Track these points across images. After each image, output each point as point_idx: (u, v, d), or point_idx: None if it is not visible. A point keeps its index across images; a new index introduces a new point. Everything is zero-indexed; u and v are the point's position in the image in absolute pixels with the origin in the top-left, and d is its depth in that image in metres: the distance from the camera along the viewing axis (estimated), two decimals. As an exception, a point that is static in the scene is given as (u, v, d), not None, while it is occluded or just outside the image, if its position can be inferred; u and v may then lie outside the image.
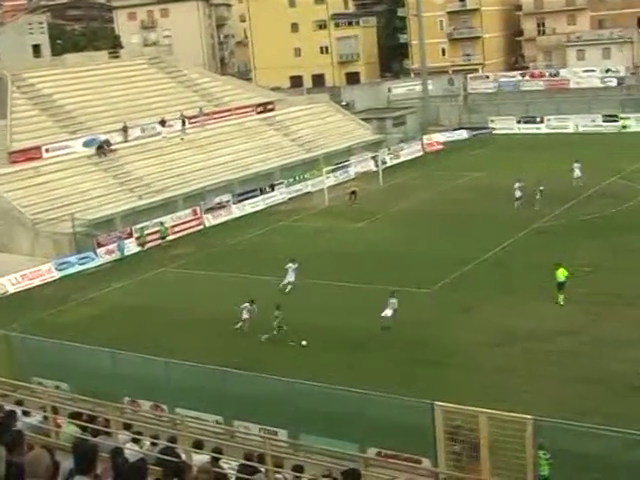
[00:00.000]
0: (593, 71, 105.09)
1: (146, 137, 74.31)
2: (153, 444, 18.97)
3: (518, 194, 59.13)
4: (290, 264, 45.35)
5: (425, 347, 35.99)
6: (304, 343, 36.65)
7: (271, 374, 30.11)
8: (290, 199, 71.08)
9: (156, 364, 31.78)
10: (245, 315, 39.45)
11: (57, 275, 53.50)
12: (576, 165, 65.44)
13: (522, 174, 64.21)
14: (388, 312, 37.99)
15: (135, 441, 19.06)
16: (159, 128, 75.32)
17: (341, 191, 70.83)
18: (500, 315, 39.10)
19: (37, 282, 52.03)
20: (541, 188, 59.17)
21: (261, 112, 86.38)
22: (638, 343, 34.18)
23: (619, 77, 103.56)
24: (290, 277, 45.22)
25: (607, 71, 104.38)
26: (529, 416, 23.81)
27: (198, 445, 18.68)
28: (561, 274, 39.66)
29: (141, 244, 58.64)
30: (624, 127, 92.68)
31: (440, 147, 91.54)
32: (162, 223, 60.33)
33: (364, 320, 39.12)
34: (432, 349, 35.72)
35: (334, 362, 34.91)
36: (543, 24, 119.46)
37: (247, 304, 39.57)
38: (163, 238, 59.68)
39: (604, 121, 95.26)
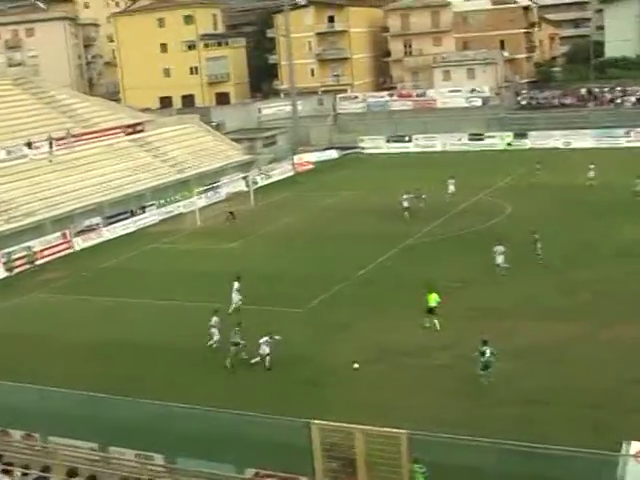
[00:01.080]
0: (459, 91, 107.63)
1: (12, 159, 72.36)
2: (24, 474, 18.52)
3: (406, 204, 60.58)
4: (235, 283, 44.47)
5: (301, 366, 35.93)
6: (356, 366, 35.43)
7: (146, 398, 29.38)
8: (162, 221, 70.47)
9: (28, 391, 30.66)
10: (216, 336, 38.81)
11: None
12: (450, 181, 67.40)
13: (393, 193, 65.20)
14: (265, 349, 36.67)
15: (6, 472, 18.56)
16: (25, 150, 73.59)
17: (213, 212, 70.86)
18: (374, 332, 39.29)
19: None
20: (424, 196, 62.03)
21: (131, 133, 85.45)
22: (509, 356, 34.76)
23: (484, 97, 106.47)
24: (235, 296, 44.30)
25: (472, 91, 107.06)
26: (404, 431, 23.92)
27: (72, 473, 18.32)
28: (432, 299, 39.55)
29: (9, 269, 57.25)
30: (509, 145, 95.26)
31: (311, 167, 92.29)
32: (29, 247, 59.01)
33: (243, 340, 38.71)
34: (308, 368, 35.64)
35: (210, 383, 34.67)
36: (410, 45, 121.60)
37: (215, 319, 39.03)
38: (31, 263, 58.33)
39: (470, 139, 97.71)
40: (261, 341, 36.37)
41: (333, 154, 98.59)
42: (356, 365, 35.23)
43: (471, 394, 31.90)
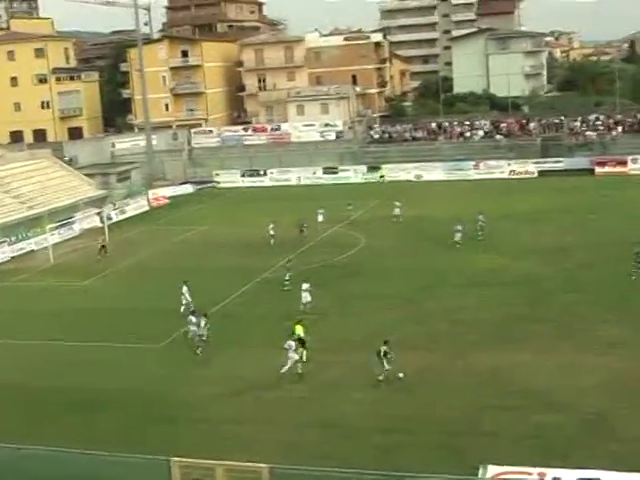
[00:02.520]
0: (313, 125, 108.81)
1: None
2: None
3: (271, 233, 61.12)
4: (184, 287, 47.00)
5: (158, 403, 35.39)
6: (401, 375, 35.56)
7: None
8: (13, 258, 68.54)
9: None
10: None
11: None
12: (320, 211, 69.11)
13: (250, 226, 66.40)
14: None
15: None
16: None
17: (66, 248, 69.70)
18: (231, 366, 39.19)
19: None
20: (305, 225, 65.35)
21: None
22: (367, 386, 35.31)
23: (337, 131, 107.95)
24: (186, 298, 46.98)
25: (326, 125, 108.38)
26: (264, 465, 24.03)
27: None
28: (298, 330, 39.78)
29: None
30: (381, 177, 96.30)
31: (166, 202, 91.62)
32: None
33: (93, 379, 38.41)
34: (165, 405, 35.15)
35: (66, 423, 33.73)
36: (264, 80, 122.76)
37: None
38: None
39: (324, 173, 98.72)
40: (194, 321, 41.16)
41: (188, 188, 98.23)
42: (401, 374, 35.72)
43: (331, 425, 32.04)
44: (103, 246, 66.75)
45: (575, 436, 29.91)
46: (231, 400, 35.18)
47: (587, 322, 42.18)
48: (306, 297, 46.34)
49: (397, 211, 70.21)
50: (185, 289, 47.79)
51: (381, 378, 35.54)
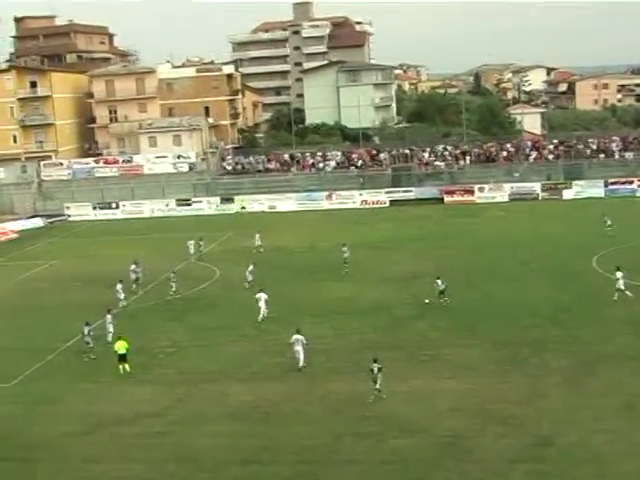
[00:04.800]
0: (165, 157, 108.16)
1: None
2: None
3: (133, 276, 59.12)
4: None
5: (6, 443, 34.43)
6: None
7: None
8: None
9: None
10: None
11: None
12: (257, 236, 69.83)
13: (102, 260, 65.51)
14: None
15: None
16: None
17: None
18: (86, 403, 38.47)
19: None
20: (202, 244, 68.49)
21: None
22: (222, 418, 35.39)
23: (190, 162, 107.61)
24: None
25: (178, 157, 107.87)
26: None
27: None
28: (121, 346, 41.51)
29: None
30: (242, 207, 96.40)
31: (14, 236, 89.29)
32: None
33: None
34: (14, 444, 34.25)
35: None
36: (115, 111, 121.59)
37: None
38: None
39: (178, 205, 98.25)
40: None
41: (38, 222, 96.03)
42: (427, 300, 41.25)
43: (189, 459, 31.87)
44: None
45: (432, 459, 30.50)
46: (85, 438, 34.52)
47: (438, 347, 43.01)
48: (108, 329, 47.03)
49: (258, 242, 70.35)
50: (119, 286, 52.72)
51: (371, 400, 35.83)
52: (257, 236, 70.94)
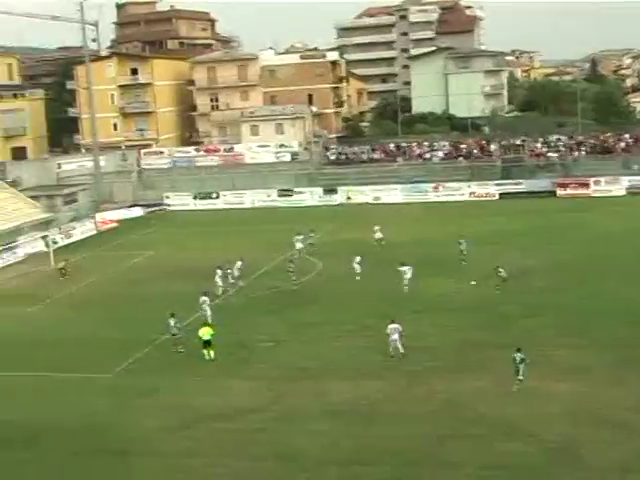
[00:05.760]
0: (267, 146, 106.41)
1: None
2: None
3: (237, 273, 57.66)
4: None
5: (105, 435, 34.25)
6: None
7: None
8: (-48, 283, 66.34)
9: None
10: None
11: None
12: (377, 228, 67.93)
13: (200, 251, 66.06)
14: None
15: None
16: None
17: (10, 273, 68.13)
18: (183, 397, 38.15)
19: None
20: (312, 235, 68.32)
21: None
22: (322, 416, 34.56)
23: (292, 152, 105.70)
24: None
25: (281, 146, 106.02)
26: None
27: None
28: (206, 332, 42.43)
29: None
30: (348, 198, 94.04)
31: (114, 225, 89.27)
32: None
33: (36, 411, 37.34)
34: (113, 437, 34.04)
35: (3, 460, 32.30)
36: (217, 99, 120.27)
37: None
38: None
39: (279, 195, 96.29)
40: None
41: (138, 211, 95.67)
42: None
43: (287, 457, 31.23)
44: (62, 268, 65.04)
45: (540, 465, 29.50)
46: (183, 432, 34.21)
47: (547, 347, 41.41)
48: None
49: (378, 235, 68.45)
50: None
51: (515, 390, 35.61)
52: (376, 228, 68.98)
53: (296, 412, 35.38)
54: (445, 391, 36.60)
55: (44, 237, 75.95)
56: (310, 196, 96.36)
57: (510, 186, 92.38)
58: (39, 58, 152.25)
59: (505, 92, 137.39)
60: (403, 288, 52.88)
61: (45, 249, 73.60)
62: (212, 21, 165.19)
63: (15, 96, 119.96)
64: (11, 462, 32.02)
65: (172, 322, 44.50)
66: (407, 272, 53.16)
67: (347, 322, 47.90)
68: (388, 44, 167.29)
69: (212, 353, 42.24)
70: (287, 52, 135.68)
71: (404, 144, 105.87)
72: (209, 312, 48.24)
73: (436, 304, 50.52)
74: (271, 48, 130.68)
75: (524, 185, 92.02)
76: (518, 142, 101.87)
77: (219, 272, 54.98)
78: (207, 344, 42.35)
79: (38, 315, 55.19)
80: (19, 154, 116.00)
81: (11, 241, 75.05)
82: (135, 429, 34.67)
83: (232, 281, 56.84)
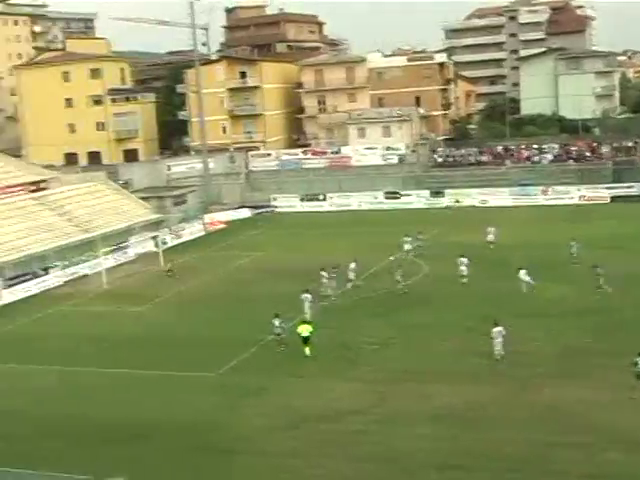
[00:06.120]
0: (374, 149, 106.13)
1: None
2: None
3: (351, 275, 57.87)
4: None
5: (211, 433, 34.70)
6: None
7: (42, 471, 28.44)
8: (66, 282, 67.96)
9: None
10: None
11: None
12: (491, 229, 67.76)
13: (308, 253, 66.47)
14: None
15: None
16: None
17: (120, 273, 69.47)
18: (288, 397, 38.38)
19: None
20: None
21: (34, 191, 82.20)
22: (425, 420, 34.26)
23: (400, 154, 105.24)
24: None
25: (388, 149, 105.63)
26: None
27: None
28: (305, 330, 43.10)
29: None
30: (456, 201, 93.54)
31: (222, 226, 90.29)
32: None
33: (145, 408, 38.02)
34: (218, 435, 34.51)
35: (115, 455, 32.95)
36: (324, 102, 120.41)
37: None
38: None
39: (386, 198, 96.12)
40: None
41: (245, 213, 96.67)
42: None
43: (387, 460, 31.02)
44: (170, 270, 66.74)
45: None
46: (286, 432, 34.43)
47: None
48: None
49: (491, 237, 68.25)
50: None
51: (635, 397, 34.51)
52: (489, 229, 68.61)
53: (399, 415, 35.18)
54: (551, 397, 35.95)
55: (154, 237, 77.27)
56: (417, 199, 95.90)
57: (622, 189, 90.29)
58: (150, 62, 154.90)
59: (617, 93, 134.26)
60: (522, 289, 52.53)
61: (155, 249, 74.71)
62: (320, 24, 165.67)
63: (127, 100, 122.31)
64: (122, 458, 32.47)
65: (277, 322, 44.92)
66: (525, 275, 52.76)
67: (453, 325, 47.55)
68: (497, 45, 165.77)
69: (308, 350, 43.01)
70: (395, 54, 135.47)
71: (512, 146, 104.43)
72: (309, 310, 49.02)
73: (545, 308, 49.73)
74: (378, 51, 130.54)
75: (636, 189, 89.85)
76: (630, 144, 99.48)
77: (324, 274, 55.25)
78: (306, 341, 43.10)
79: (147, 314, 56.28)
80: (131, 156, 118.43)
81: (122, 241, 76.62)
82: (240, 428, 34.95)
83: (350, 281, 57.15)
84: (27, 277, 65.79)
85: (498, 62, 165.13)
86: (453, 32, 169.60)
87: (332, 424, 34.77)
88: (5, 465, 30.05)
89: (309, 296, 49.92)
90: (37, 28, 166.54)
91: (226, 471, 31.04)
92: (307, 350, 43.01)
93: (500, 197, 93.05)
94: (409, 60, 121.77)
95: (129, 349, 47.67)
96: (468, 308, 50.55)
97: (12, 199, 78.70)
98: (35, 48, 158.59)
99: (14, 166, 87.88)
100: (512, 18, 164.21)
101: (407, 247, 66.21)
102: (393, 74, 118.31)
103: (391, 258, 63.44)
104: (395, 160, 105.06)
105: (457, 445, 31.79)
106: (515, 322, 44.87)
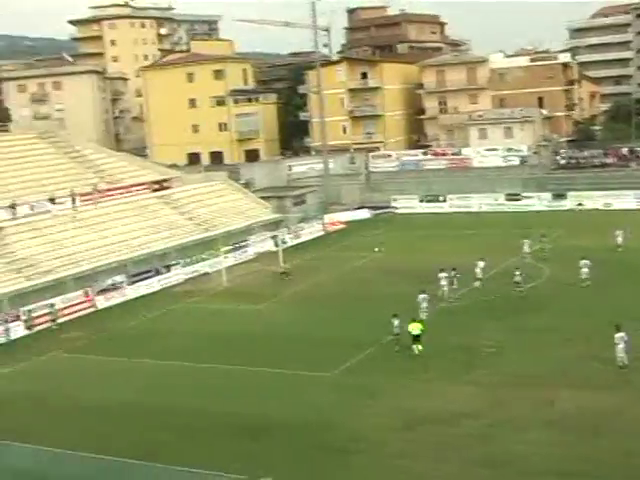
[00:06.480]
0: (495, 150, 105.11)
1: (35, 215, 71.26)
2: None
3: (480, 274, 57.62)
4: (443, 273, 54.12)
5: (327, 432, 34.90)
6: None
7: (163, 463, 28.82)
8: (187, 280, 69.11)
9: (42, 454, 30.23)
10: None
11: (-61, 360, 50.50)
12: (619, 232, 66.49)
13: (427, 254, 65.97)
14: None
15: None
16: (49, 206, 71.93)
17: (240, 271, 70.18)
18: (404, 397, 38.34)
19: None
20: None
21: (157, 190, 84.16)
22: (540, 425, 33.71)
23: (521, 156, 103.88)
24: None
25: (509, 150, 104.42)
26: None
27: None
28: (415, 327, 43.62)
29: (28, 327, 56.19)
30: (579, 204, 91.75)
31: (342, 226, 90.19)
32: (52, 305, 57.92)
33: (264, 406, 38.45)
34: (335, 434, 34.66)
35: (233, 450, 33.51)
36: (445, 103, 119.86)
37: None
38: (53, 320, 57.13)
39: (507, 200, 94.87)
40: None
41: (365, 214, 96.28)
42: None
43: (502, 464, 30.68)
44: (284, 272, 67.23)
45: None
46: (401, 433, 34.37)
47: None
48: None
49: (619, 240, 66.83)
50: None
51: None
52: (618, 232, 67.16)
53: (514, 420, 34.68)
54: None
55: (274, 237, 78.04)
56: (538, 201, 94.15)
57: None
58: (272, 63, 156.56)
59: None
60: None
61: (274, 248, 75.20)
62: (442, 24, 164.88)
63: (249, 100, 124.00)
64: (240, 453, 32.92)
65: (396, 322, 44.92)
66: None
67: (573, 329, 46.58)
68: (623, 44, 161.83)
69: (420, 347, 43.37)
70: (517, 54, 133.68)
71: (638, 148, 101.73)
72: (426, 311, 49.28)
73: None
74: (500, 51, 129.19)
75: None
76: None
77: (443, 275, 55.01)
78: (416, 339, 43.47)
79: (266, 312, 56.96)
80: (252, 156, 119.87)
81: (242, 240, 77.47)
82: (356, 428, 35.01)
83: (478, 280, 56.98)
84: (149, 274, 67.08)
85: (624, 62, 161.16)
86: (577, 31, 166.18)
87: (447, 427, 34.55)
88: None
89: (426, 296, 50.00)
90: (163, 30, 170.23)
91: (342, 470, 31.15)
92: (417, 348, 43.43)
93: (624, 200, 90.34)
94: (532, 60, 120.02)
95: (247, 347, 48.35)
96: (589, 312, 49.62)
97: (136, 198, 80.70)
98: (160, 50, 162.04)
99: (138, 165, 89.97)
100: (639, 16, 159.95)
101: (526, 250, 65.25)
102: (515, 74, 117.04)
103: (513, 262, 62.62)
104: (516, 162, 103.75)
105: (575, 453, 31.05)
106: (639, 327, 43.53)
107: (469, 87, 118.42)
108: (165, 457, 31.55)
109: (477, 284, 56.89)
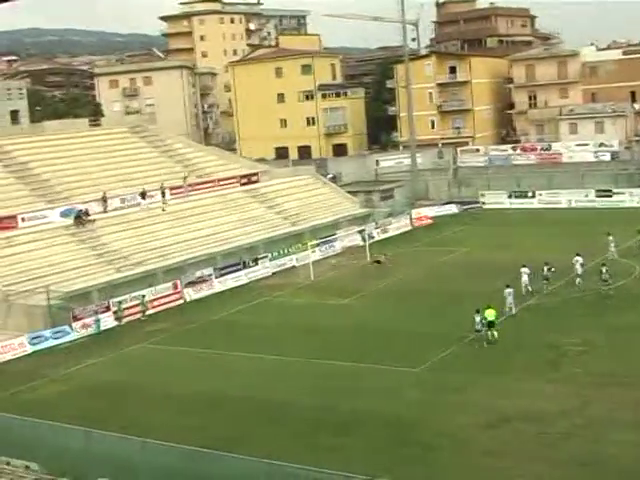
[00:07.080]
0: (586, 145, 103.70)
1: (126, 208, 72.47)
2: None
3: (580, 270, 56.53)
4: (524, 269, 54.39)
5: (413, 428, 34.81)
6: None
7: (249, 455, 28.60)
8: (274, 273, 69.42)
9: (131, 443, 30.39)
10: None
11: (30, 349, 51.76)
12: (610, 239, 64.38)
13: (515, 250, 65.03)
14: None
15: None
16: (139, 199, 72.95)
17: (327, 266, 70.38)
18: (490, 395, 38.01)
19: (9, 357, 50.53)
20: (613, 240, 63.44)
21: (245, 184, 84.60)
22: (632, 425, 33.12)
23: (613, 151, 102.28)
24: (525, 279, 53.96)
25: (600, 145, 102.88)
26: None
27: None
28: (490, 314, 44.86)
29: (118, 318, 57.01)
30: None
31: (429, 222, 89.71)
32: (142, 296, 58.81)
33: (350, 400, 38.42)
34: (420, 430, 34.54)
35: (318, 444, 33.59)
36: (535, 97, 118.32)
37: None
38: (143, 312, 58.10)
39: (597, 196, 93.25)
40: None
41: (452, 209, 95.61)
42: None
43: (590, 465, 30.15)
44: (377, 261, 68.10)
45: None
46: (487, 431, 34.01)
47: None
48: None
49: None
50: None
51: None
52: None
53: (604, 420, 34.06)
54: None
55: (361, 231, 77.86)
56: (630, 197, 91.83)
57: None
58: (360, 58, 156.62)
59: None
60: None
61: (361, 243, 75.33)
62: (532, 17, 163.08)
63: (337, 95, 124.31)
64: (322, 447, 32.96)
65: (477, 319, 45.09)
66: None
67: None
68: None
69: (495, 333, 44.57)
70: (609, 48, 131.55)
71: None
72: (512, 305, 49.73)
73: None
74: (592, 44, 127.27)
75: None
76: None
77: (526, 270, 54.54)
78: (491, 325, 44.68)
79: (351, 307, 56.93)
80: (339, 151, 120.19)
81: (329, 234, 77.45)
82: (441, 425, 34.85)
83: (578, 276, 55.94)
84: (237, 267, 67.51)
85: None
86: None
87: (533, 425, 34.11)
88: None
89: (512, 290, 49.99)
90: (252, 26, 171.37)
91: (427, 466, 30.99)
92: (492, 334, 44.62)
93: None
94: (624, 54, 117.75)
95: (333, 341, 48.44)
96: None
97: (224, 191, 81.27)
98: (249, 45, 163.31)
99: (227, 159, 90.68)
100: None
101: (612, 247, 63.93)
102: (607, 68, 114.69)
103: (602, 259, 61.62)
104: (608, 157, 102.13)
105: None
106: None
107: (559, 81, 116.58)
108: (251, 448, 31.54)
109: (578, 281, 55.84)
